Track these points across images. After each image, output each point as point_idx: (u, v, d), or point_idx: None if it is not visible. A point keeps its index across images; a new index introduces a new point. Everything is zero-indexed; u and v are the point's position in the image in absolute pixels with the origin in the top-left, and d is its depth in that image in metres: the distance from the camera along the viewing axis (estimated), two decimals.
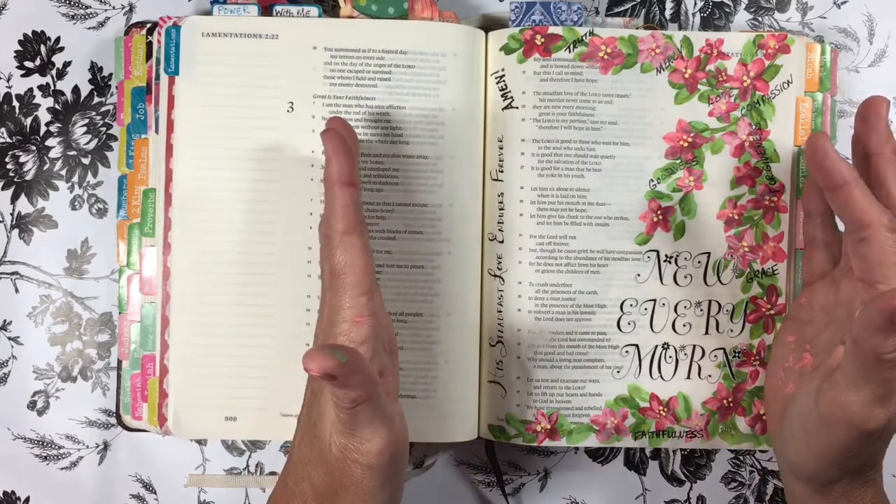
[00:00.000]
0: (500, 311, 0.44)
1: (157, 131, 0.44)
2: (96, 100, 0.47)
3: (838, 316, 0.39)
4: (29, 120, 0.47)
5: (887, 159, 0.37)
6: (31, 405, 0.47)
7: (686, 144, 0.44)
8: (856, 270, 0.37)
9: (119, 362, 0.44)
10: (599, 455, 0.49)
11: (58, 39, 0.47)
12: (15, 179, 0.47)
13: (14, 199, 0.47)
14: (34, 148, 0.47)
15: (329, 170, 0.36)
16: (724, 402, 0.44)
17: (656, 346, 0.44)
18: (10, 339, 0.47)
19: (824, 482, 0.38)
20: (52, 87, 0.47)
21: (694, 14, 0.48)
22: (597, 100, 0.44)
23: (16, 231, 0.47)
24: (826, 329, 0.40)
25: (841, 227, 0.40)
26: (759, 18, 0.48)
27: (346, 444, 0.34)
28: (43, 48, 0.47)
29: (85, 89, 0.47)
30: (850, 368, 0.34)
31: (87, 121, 0.47)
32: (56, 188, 0.47)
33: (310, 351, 0.31)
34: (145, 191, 0.44)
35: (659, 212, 0.44)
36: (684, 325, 0.44)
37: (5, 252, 0.47)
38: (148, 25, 0.44)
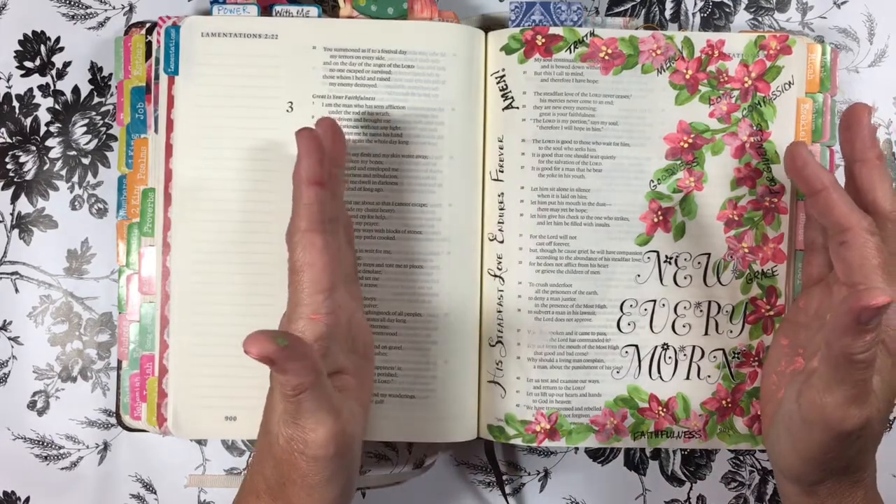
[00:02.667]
0: (499, 312, 0.44)
1: (156, 131, 0.44)
2: (96, 100, 0.47)
3: None
4: (29, 120, 0.47)
5: (872, 165, 0.38)
6: (31, 405, 0.47)
7: (686, 145, 0.44)
8: (838, 274, 0.38)
9: (119, 362, 0.44)
10: (599, 455, 0.49)
11: (58, 39, 0.47)
12: (15, 179, 0.47)
13: (14, 199, 0.47)
14: (34, 148, 0.47)
15: (297, 168, 0.36)
16: (723, 402, 0.44)
17: (656, 347, 0.44)
18: (10, 339, 0.47)
19: (811, 482, 0.38)
20: (52, 87, 0.47)
21: (694, 14, 0.48)
22: (597, 100, 0.44)
23: (16, 231, 0.47)
24: (818, 333, 0.40)
25: None
26: (759, 18, 0.48)
27: (291, 434, 0.34)
28: (43, 48, 0.47)
29: (85, 89, 0.47)
30: (825, 370, 0.35)
31: (87, 121, 0.47)
32: (56, 188, 0.47)
33: (252, 334, 0.31)
34: (144, 190, 0.44)
35: (659, 212, 0.44)
36: (684, 326, 0.44)
37: (5, 252, 0.47)
38: (147, 25, 0.44)
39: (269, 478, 0.36)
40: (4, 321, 0.47)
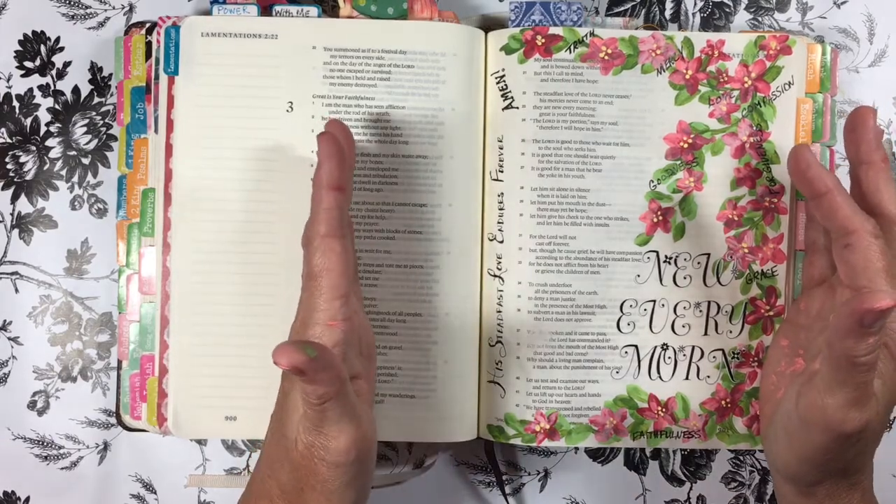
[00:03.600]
0: (499, 312, 0.44)
1: (156, 131, 0.44)
2: (96, 100, 0.47)
3: None
4: (29, 120, 0.47)
5: (878, 167, 0.38)
6: (31, 405, 0.47)
7: (686, 145, 0.44)
8: (842, 276, 0.38)
9: (119, 362, 0.44)
10: (599, 455, 0.49)
11: (58, 39, 0.47)
12: (15, 179, 0.47)
13: (14, 199, 0.47)
14: (34, 148, 0.47)
15: (318, 173, 0.36)
16: (723, 402, 0.44)
17: (655, 347, 0.44)
18: (10, 339, 0.47)
19: (809, 483, 0.38)
20: (52, 87, 0.47)
21: (694, 14, 0.48)
22: (597, 100, 0.44)
23: (16, 231, 0.47)
24: (819, 335, 0.40)
25: None
26: (759, 18, 0.48)
27: (312, 441, 0.34)
28: (43, 48, 0.47)
29: (85, 89, 0.47)
30: (827, 372, 0.34)
31: (87, 121, 0.47)
32: (56, 188, 0.47)
33: (280, 345, 0.31)
34: (144, 191, 0.44)
35: (659, 212, 0.44)
36: (683, 326, 0.44)
37: (5, 252, 0.47)
38: (147, 25, 0.44)
39: (285, 483, 0.35)
40: (4, 321, 0.47)
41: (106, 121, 0.47)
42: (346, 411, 0.34)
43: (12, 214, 0.47)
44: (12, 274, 0.47)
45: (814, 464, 0.37)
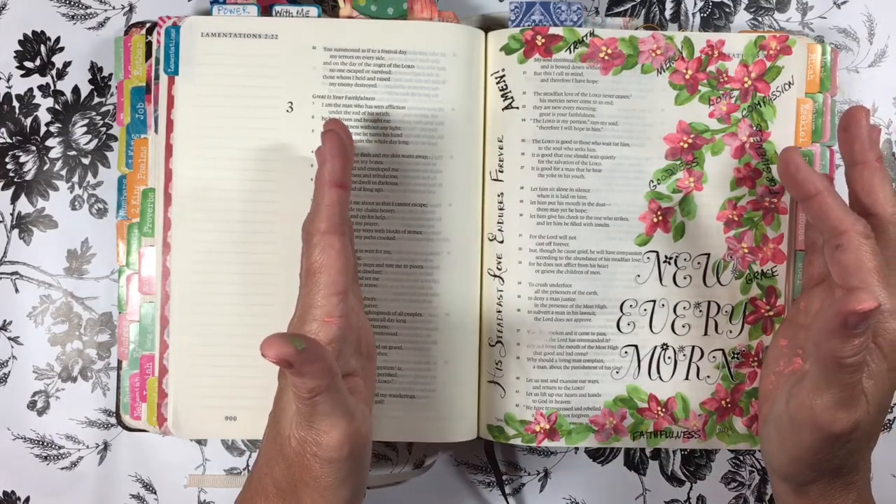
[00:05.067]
0: (499, 312, 0.44)
1: (156, 131, 0.44)
2: (96, 100, 0.47)
3: None
4: (29, 120, 0.47)
5: (872, 167, 0.38)
6: (31, 405, 0.47)
7: (686, 145, 0.44)
8: (835, 277, 0.38)
9: (119, 362, 0.44)
10: (599, 455, 0.49)
11: (58, 39, 0.47)
12: (15, 179, 0.47)
13: (14, 199, 0.47)
14: (34, 148, 0.47)
15: (322, 169, 0.36)
16: (723, 402, 0.44)
17: (655, 347, 0.44)
18: (10, 339, 0.47)
19: (802, 482, 0.38)
20: (52, 87, 0.47)
21: (694, 14, 0.48)
22: (597, 100, 0.44)
23: (16, 231, 0.47)
24: None
25: None
26: (759, 19, 0.48)
27: (304, 437, 0.34)
28: (43, 48, 0.47)
29: (85, 89, 0.47)
30: (815, 372, 0.35)
31: (87, 121, 0.47)
32: (56, 188, 0.47)
33: (268, 337, 0.31)
34: (144, 191, 0.44)
35: (659, 212, 0.44)
36: (683, 326, 0.44)
37: (5, 252, 0.47)
38: (147, 25, 0.44)
39: (280, 480, 0.36)
40: (4, 321, 0.47)
41: (106, 121, 0.47)
42: (337, 406, 0.34)
43: (12, 214, 0.47)
44: (12, 274, 0.47)
45: (806, 463, 0.37)
